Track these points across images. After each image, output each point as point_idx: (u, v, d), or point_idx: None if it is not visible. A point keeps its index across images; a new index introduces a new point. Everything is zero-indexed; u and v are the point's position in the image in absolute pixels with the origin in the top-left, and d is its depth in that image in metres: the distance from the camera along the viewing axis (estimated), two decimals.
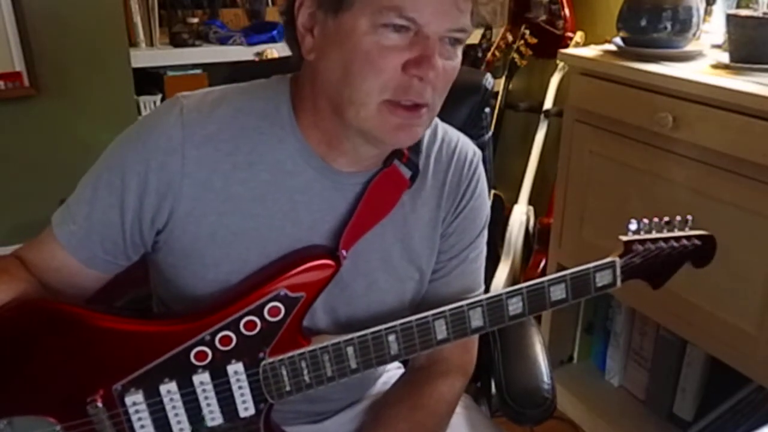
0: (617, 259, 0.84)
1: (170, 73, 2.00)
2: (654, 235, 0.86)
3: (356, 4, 0.73)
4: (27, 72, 1.76)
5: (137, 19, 1.93)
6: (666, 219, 0.86)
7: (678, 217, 0.87)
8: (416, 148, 0.88)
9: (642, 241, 0.85)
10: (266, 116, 0.83)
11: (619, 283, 0.85)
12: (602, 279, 0.84)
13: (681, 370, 1.75)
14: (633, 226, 0.85)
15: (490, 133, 1.25)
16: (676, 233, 0.86)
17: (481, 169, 0.96)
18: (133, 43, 1.95)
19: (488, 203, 0.98)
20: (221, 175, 0.81)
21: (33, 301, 0.80)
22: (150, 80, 2.02)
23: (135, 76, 1.93)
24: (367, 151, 0.83)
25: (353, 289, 0.87)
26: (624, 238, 0.85)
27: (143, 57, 1.94)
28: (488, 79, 1.21)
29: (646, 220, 0.86)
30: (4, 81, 1.74)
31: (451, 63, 0.78)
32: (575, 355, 2.10)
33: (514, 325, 0.83)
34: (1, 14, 1.69)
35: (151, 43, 1.98)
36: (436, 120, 0.93)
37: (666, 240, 0.86)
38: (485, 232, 0.98)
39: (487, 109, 1.23)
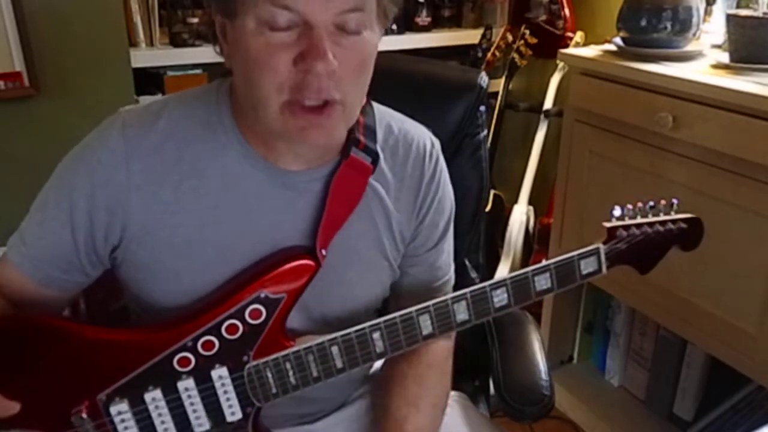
0: (601, 246, 0.83)
1: (170, 73, 1.99)
2: (638, 220, 0.84)
3: (240, 6, 0.71)
4: (27, 72, 1.75)
5: (137, 19, 1.93)
6: (651, 203, 0.85)
7: (663, 201, 0.86)
8: (370, 135, 0.87)
9: (626, 227, 0.84)
10: (209, 123, 0.82)
11: (604, 269, 0.84)
12: (587, 266, 0.83)
13: (681, 370, 1.75)
14: (617, 212, 0.84)
15: (485, 132, 1.24)
16: (661, 217, 0.85)
17: (441, 158, 0.95)
18: (133, 43, 1.94)
19: (451, 188, 0.97)
20: (169, 186, 0.80)
21: (14, 316, 0.79)
22: (150, 80, 2.01)
23: (135, 76, 1.92)
24: (303, 149, 0.82)
25: (324, 285, 0.85)
26: (607, 224, 0.84)
27: (143, 57, 1.93)
28: (483, 78, 1.21)
29: (630, 206, 0.85)
30: (4, 81, 1.74)
31: (357, 49, 0.73)
32: (575, 355, 2.10)
33: (512, 323, 0.82)
34: (1, 14, 1.68)
35: (151, 43, 1.98)
36: (391, 113, 0.92)
37: (651, 224, 0.84)
38: (453, 217, 0.98)
39: (483, 108, 1.23)
